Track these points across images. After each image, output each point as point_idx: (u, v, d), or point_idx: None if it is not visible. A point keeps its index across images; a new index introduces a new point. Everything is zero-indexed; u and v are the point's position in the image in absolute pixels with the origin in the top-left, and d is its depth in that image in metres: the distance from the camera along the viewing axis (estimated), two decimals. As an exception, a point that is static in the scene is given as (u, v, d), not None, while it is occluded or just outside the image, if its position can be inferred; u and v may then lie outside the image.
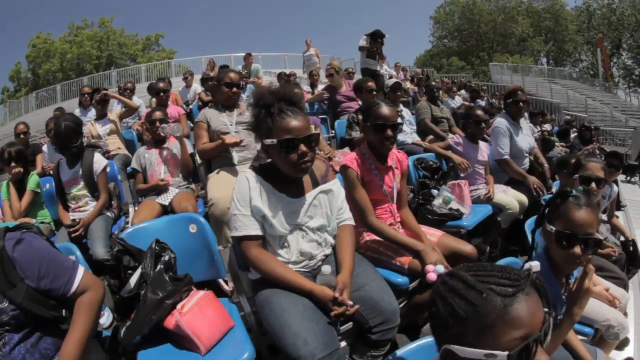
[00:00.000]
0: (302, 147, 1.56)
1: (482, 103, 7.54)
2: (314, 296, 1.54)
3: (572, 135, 9.45)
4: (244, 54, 8.86)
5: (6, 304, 1.22)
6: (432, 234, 2.30)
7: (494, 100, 10.83)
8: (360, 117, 3.77)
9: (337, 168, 2.71)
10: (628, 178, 10.41)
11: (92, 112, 4.86)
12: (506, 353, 0.72)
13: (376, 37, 6.96)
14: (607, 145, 15.50)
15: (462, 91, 9.76)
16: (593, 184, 2.44)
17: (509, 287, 0.75)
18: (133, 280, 1.67)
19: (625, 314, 2.27)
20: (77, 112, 5.27)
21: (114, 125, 4.36)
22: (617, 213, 6.06)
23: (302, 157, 1.57)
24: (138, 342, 1.57)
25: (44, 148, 4.35)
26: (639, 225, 5.92)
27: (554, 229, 1.45)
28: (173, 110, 4.67)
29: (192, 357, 1.52)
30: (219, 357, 1.52)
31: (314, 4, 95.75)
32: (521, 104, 3.56)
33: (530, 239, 1.90)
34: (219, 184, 2.68)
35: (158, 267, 1.67)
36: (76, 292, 1.34)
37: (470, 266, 0.85)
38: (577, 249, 1.40)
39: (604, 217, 3.48)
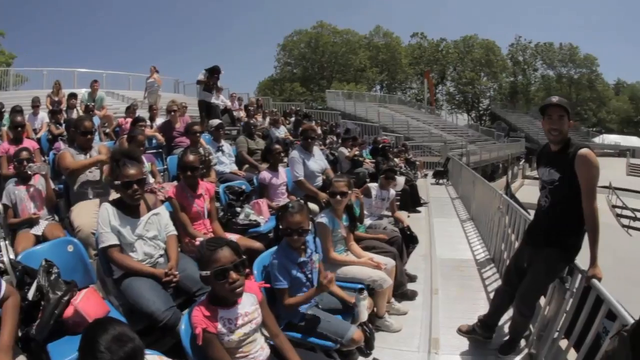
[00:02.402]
0: (135, 186, 2.52)
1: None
2: (155, 276, 2.47)
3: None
4: (86, 71, 8.80)
5: None
6: (232, 237, 3.25)
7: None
8: None
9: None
10: (437, 181, 12.92)
11: None
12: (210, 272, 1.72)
13: (213, 73, 7.85)
14: (425, 156, 18.85)
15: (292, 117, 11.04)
16: (338, 196, 3.27)
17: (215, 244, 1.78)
18: (31, 292, 2.22)
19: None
20: None
21: None
22: (419, 208, 7.89)
23: (135, 192, 2.54)
24: (45, 336, 2.14)
25: None
26: (437, 216, 7.85)
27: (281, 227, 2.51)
28: (28, 144, 4.65)
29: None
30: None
31: (163, 25, 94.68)
32: (310, 140, 4.78)
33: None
34: (81, 214, 3.31)
35: (52, 276, 2.31)
36: (3, 297, 1.86)
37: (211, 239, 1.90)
38: (295, 237, 2.45)
39: (388, 212, 4.86)
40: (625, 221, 15.14)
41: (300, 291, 2.53)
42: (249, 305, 1.93)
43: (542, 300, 3.04)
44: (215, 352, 1.79)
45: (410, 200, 7.98)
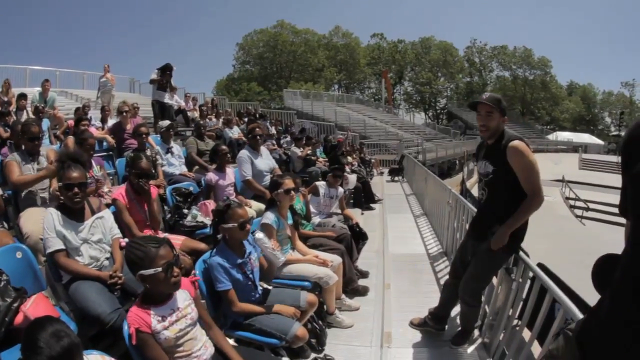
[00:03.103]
0: (75, 189, 2.52)
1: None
2: (101, 279, 2.44)
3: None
4: (39, 68, 8.34)
5: None
6: (177, 239, 3.22)
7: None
8: None
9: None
10: (392, 178, 13.17)
11: None
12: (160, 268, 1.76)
13: (165, 70, 7.63)
14: (381, 154, 19.20)
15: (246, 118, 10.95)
16: (292, 192, 3.31)
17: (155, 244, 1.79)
18: None
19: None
20: None
21: None
22: (374, 205, 8.02)
23: (75, 195, 2.52)
24: None
25: None
26: (391, 212, 7.98)
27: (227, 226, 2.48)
28: None
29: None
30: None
31: (119, 21, 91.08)
32: (258, 137, 4.73)
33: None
34: (30, 220, 3.19)
35: (1, 283, 2.19)
36: None
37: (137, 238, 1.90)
38: (241, 231, 2.49)
39: (336, 209, 4.86)
40: (578, 212, 15.98)
41: (243, 292, 2.53)
42: (182, 301, 1.96)
43: (493, 290, 3.13)
44: (150, 350, 1.81)
45: (364, 197, 8.10)
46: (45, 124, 6.11)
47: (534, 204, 2.41)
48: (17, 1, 73.55)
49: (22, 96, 7.45)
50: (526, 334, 2.59)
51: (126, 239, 2.80)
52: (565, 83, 54.96)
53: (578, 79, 57.54)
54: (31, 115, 6.87)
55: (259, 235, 2.78)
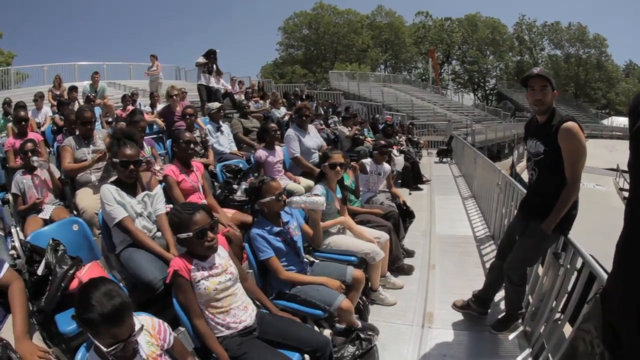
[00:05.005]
0: (131, 166, 2.67)
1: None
2: (163, 257, 2.55)
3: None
4: (87, 63, 8.85)
5: None
6: (229, 211, 3.42)
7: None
8: None
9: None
10: (440, 159, 12.90)
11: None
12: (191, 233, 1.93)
13: (209, 54, 7.88)
14: (430, 135, 18.74)
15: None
16: (338, 167, 3.34)
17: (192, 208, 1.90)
18: (40, 268, 2.38)
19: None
20: None
21: None
22: (422, 186, 7.92)
23: (132, 172, 2.69)
24: (53, 307, 2.27)
25: None
26: (439, 193, 7.85)
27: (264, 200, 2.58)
28: (33, 137, 4.76)
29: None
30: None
31: (162, 12, 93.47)
32: (304, 117, 4.76)
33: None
34: (85, 197, 3.49)
35: (59, 253, 2.44)
36: (4, 278, 1.95)
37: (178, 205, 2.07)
38: (278, 203, 2.58)
39: (384, 188, 4.85)
40: (633, 204, 14.84)
41: (287, 262, 2.61)
42: (222, 258, 2.12)
43: (539, 279, 3.02)
44: (183, 295, 1.97)
45: (412, 177, 7.99)
46: (97, 112, 6.48)
47: (573, 191, 2.36)
48: (64, 3, 77.20)
49: (73, 89, 8.01)
50: (567, 329, 2.48)
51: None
52: (623, 63, 50.04)
53: (637, 59, 52.29)
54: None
55: (291, 198, 2.75)
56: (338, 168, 3.35)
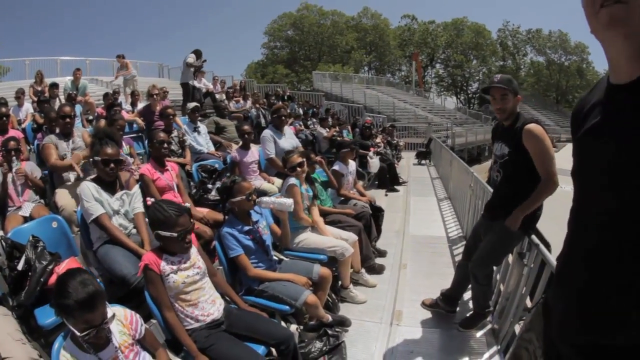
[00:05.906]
0: (112, 165, 2.76)
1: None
2: (136, 253, 2.63)
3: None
4: (69, 58, 8.74)
5: None
6: (202, 210, 3.53)
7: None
8: None
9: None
10: (419, 161, 13.02)
11: None
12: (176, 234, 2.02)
13: (200, 55, 8.01)
14: (409, 138, 18.93)
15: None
16: (298, 169, 3.44)
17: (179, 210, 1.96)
18: (20, 263, 2.45)
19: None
20: None
21: None
22: (398, 187, 8.05)
23: (112, 170, 2.78)
24: (33, 302, 2.35)
25: None
26: (415, 194, 7.97)
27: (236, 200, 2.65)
28: (14, 134, 4.72)
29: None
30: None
31: (145, 10, 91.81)
32: (283, 117, 4.85)
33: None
34: (64, 195, 3.58)
35: (39, 249, 2.52)
36: None
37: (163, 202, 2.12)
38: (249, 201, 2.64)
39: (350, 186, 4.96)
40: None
41: (256, 260, 2.70)
42: (192, 253, 2.21)
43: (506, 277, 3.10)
44: (153, 287, 2.07)
45: (389, 179, 8.13)
46: (78, 109, 6.39)
47: (548, 187, 2.42)
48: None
49: (54, 85, 7.94)
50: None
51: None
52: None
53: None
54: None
55: (261, 198, 2.84)
56: (298, 169, 3.45)
